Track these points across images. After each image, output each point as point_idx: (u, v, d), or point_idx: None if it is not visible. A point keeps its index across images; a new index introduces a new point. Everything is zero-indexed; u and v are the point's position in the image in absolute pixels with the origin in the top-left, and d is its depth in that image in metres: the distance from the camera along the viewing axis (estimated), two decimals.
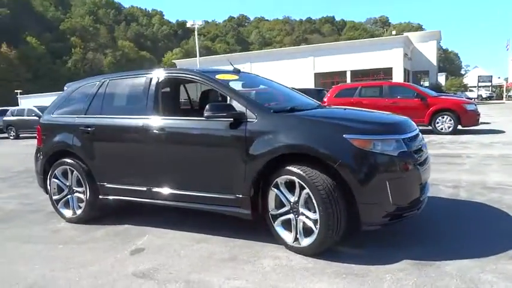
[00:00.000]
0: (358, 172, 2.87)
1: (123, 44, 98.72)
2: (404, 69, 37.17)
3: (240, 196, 3.29)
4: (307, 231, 3.05)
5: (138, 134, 3.77)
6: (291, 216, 3.14)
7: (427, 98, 11.00)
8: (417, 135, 3.41)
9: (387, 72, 35.98)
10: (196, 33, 32.50)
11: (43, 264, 3.24)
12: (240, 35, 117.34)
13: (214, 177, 3.45)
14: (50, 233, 4.04)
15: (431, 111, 10.83)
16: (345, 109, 3.83)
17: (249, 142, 3.21)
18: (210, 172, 3.47)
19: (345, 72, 38.15)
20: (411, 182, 3.03)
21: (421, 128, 11.20)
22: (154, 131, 3.66)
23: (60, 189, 4.38)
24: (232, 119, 3.29)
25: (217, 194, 3.42)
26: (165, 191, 3.71)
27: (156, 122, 3.68)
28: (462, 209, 4.13)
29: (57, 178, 4.35)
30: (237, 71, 4.20)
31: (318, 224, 2.93)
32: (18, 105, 40.96)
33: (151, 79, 3.87)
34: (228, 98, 3.45)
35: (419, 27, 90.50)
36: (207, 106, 3.26)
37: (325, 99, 12.48)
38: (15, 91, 54.17)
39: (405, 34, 43.38)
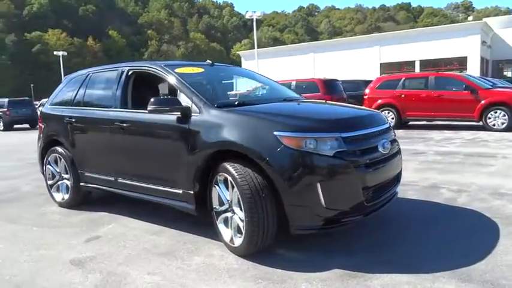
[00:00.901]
0: (284, 172, 2.69)
1: (195, 36, 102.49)
2: (482, 58, 33.88)
3: (186, 191, 3.27)
4: (240, 231, 2.94)
5: (106, 126, 3.89)
6: (229, 214, 3.05)
7: (478, 91, 9.92)
8: (377, 132, 3.07)
9: (461, 61, 33.09)
10: (254, 24, 32.60)
11: (7, 244, 3.50)
12: (309, 25, 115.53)
13: (164, 171, 3.46)
14: (36, 216, 4.35)
15: (483, 106, 9.75)
16: (298, 104, 3.57)
17: (191, 137, 3.16)
18: (161, 165, 3.48)
19: (413, 62, 35.82)
20: (350, 185, 2.76)
21: (470, 124, 10.38)
22: (117, 123, 3.75)
23: (53, 175, 4.69)
24: (179, 113, 3.26)
25: (167, 187, 3.42)
26: (128, 182, 3.80)
27: (118, 114, 3.78)
28: (444, 216, 3.68)
29: (50, 165, 4.67)
30: (209, 64, 4.12)
31: (245, 223, 2.81)
32: None
33: (121, 72, 3.96)
34: (178, 91, 3.42)
35: (507, 12, 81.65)
36: (151, 100, 3.25)
37: (366, 91, 11.88)
38: None
39: (484, 20, 39.39)
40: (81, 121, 4.23)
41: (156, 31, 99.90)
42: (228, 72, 4.60)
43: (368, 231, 3.35)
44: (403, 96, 10.92)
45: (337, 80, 13.48)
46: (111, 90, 3.99)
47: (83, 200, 4.55)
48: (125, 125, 3.70)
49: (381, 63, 37.72)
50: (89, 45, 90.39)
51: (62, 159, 4.48)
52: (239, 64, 51.05)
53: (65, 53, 43.02)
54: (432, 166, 5.94)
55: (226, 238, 3.08)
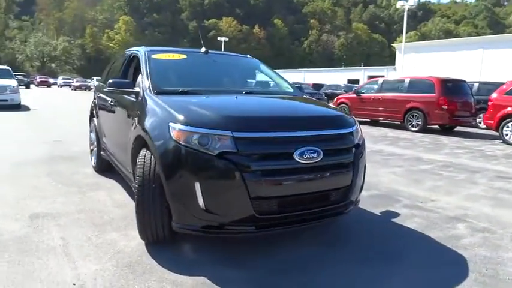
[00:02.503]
0: (166, 166, 2.58)
1: (357, 27, 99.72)
2: None
3: (131, 172, 3.41)
4: None
5: (108, 103, 4.30)
6: None
7: None
8: (297, 137, 2.65)
9: None
10: (405, 15, 30.12)
11: (13, 191, 4.20)
12: (493, 17, 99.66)
13: (123, 151, 3.64)
14: (69, 174, 5.09)
15: None
16: (236, 98, 3.22)
17: (133, 120, 3.28)
18: (123, 145, 3.67)
19: None
20: (234, 191, 2.47)
21: None
22: (109, 102, 4.13)
23: (92, 142, 5.43)
24: (134, 96, 3.41)
25: (125, 167, 3.62)
26: (114, 158, 4.17)
27: (111, 94, 4.14)
28: (409, 257, 2.92)
29: (91, 133, 5.42)
30: (204, 52, 4.11)
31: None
32: None
33: (127, 56, 4.33)
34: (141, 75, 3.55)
35: None
36: (108, 81, 3.47)
37: (493, 96, 9.86)
38: None
39: None
40: (100, 97, 4.77)
41: (318, 20, 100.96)
42: (224, 60, 4.46)
43: (291, 248, 2.94)
44: None
45: (463, 81, 11.47)
46: (119, 72, 4.39)
47: (107, 167, 5.12)
48: (112, 103, 4.04)
49: None
50: (255, 33, 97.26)
51: (94, 129, 5.14)
52: (394, 56, 47.71)
53: (227, 39, 47.28)
54: (498, 195, 4.68)
55: None
